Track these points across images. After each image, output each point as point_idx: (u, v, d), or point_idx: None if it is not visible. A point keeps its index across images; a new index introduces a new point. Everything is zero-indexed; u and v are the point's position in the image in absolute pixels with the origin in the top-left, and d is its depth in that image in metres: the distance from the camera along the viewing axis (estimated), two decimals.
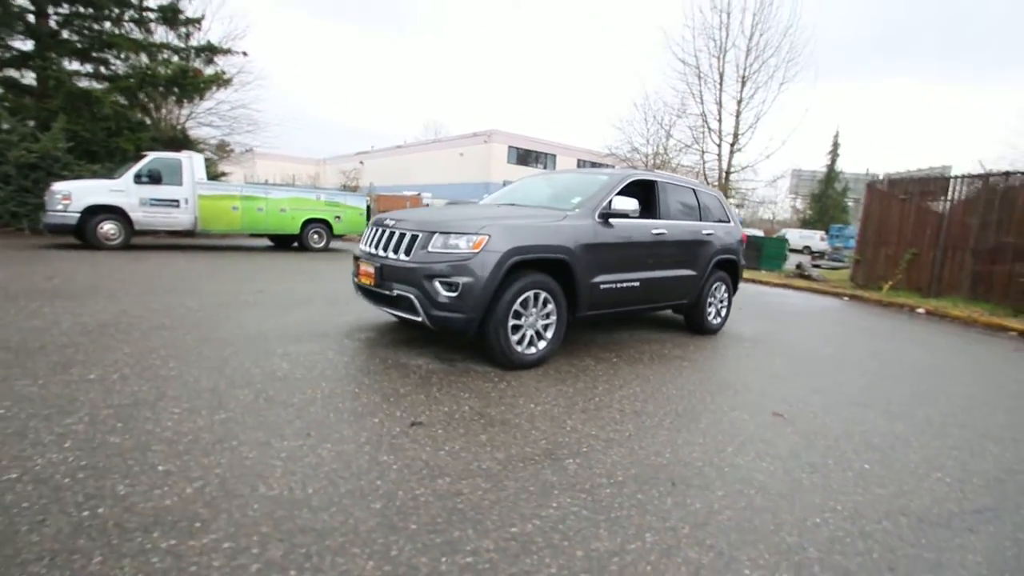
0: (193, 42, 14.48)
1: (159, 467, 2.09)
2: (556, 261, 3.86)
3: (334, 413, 2.78)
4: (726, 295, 5.86)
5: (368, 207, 13.26)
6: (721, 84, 16.88)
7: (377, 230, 4.08)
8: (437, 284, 3.50)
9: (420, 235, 3.64)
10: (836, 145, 39.55)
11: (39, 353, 3.39)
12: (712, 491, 2.29)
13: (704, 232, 5.39)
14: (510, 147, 29.85)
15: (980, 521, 2.26)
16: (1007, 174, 9.96)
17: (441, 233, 3.59)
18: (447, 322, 3.53)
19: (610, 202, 4.30)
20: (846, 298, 11.05)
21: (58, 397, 2.71)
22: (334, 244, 13.24)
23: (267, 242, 12.94)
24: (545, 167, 31.88)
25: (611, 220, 4.32)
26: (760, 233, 24.46)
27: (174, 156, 10.10)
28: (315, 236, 12.10)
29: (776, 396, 3.72)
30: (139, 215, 9.49)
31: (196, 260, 8.89)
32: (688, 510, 2.12)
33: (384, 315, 5.23)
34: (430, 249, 3.58)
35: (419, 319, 3.59)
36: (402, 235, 3.76)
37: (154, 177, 9.56)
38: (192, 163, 10.09)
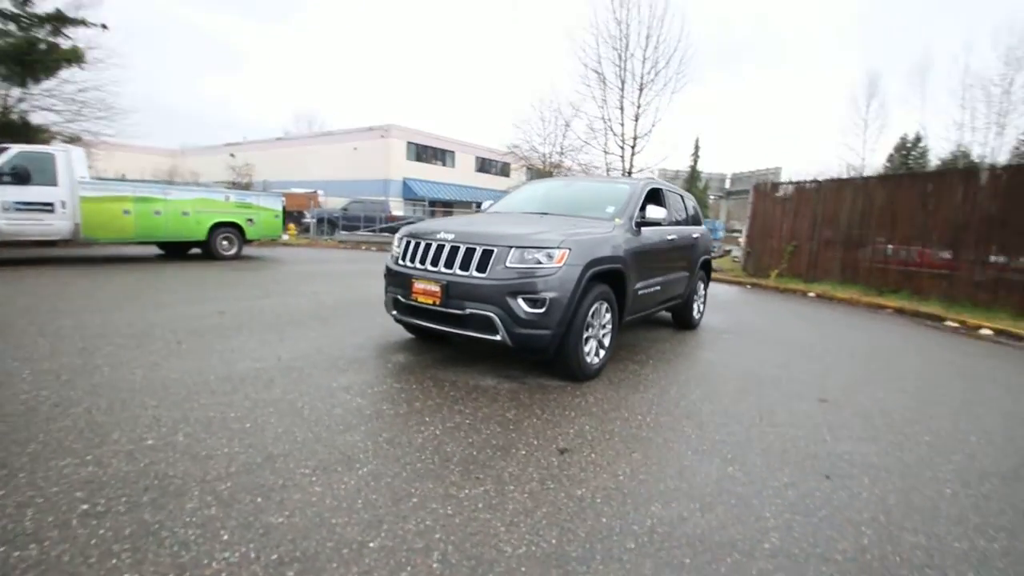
0: (35, 8, 11.79)
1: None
2: (615, 271, 3.93)
3: (480, 451, 2.57)
4: (704, 292, 6.41)
5: (283, 208, 12.01)
6: (623, 90, 18.11)
7: (422, 244, 3.79)
8: (521, 301, 3.37)
9: (496, 250, 3.47)
10: (697, 148, 44.77)
11: None
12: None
13: (693, 235, 5.83)
14: (409, 143, 28.82)
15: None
16: (866, 178, 12.14)
17: (518, 248, 3.46)
18: (531, 340, 3.42)
19: (644, 210, 4.48)
20: (748, 286, 12.60)
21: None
22: (247, 250, 11.81)
23: (154, 250, 11.11)
24: (444, 164, 31.46)
25: (642, 228, 4.49)
26: None
27: (44, 150, 8.23)
28: (224, 242, 10.68)
29: (808, 382, 4.20)
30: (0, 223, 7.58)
31: (86, 277, 7.35)
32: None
33: (392, 332, 4.87)
34: (508, 264, 3.44)
35: (496, 338, 3.43)
36: (469, 250, 3.54)
37: (19, 176, 7.69)
38: (70, 158, 8.30)
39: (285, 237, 16.07)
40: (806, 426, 3.23)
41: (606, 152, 19.49)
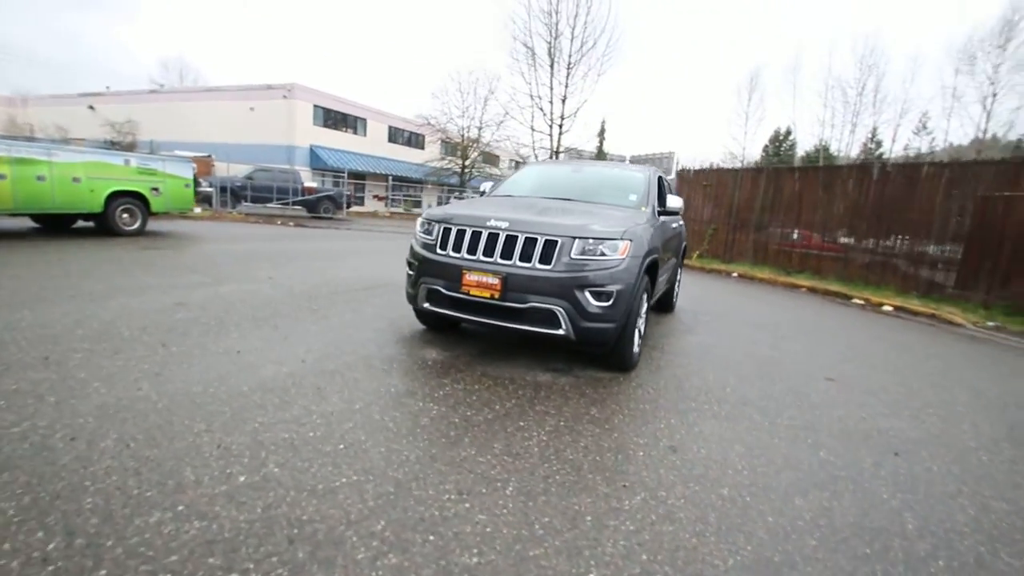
0: None
1: None
2: (654, 261, 3.96)
3: (601, 456, 2.48)
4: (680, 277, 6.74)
5: (195, 176, 10.48)
6: (552, 68, 18.13)
7: (468, 232, 3.50)
8: (588, 294, 3.27)
9: (560, 241, 3.31)
10: (603, 129, 46.60)
11: None
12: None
13: (681, 223, 6.07)
14: (316, 107, 26.22)
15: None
16: (776, 169, 13.44)
17: (581, 239, 3.33)
18: (597, 334, 3.35)
19: (665, 200, 4.54)
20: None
21: None
22: (152, 225, 10.15)
23: (27, 223, 9.16)
24: (356, 132, 29.25)
25: (660, 217, 4.56)
26: None
27: None
28: (125, 215, 9.09)
29: (803, 362, 4.61)
30: None
31: None
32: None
33: (394, 324, 4.52)
34: (573, 256, 3.30)
35: (560, 332, 3.31)
36: (530, 240, 3.34)
37: None
38: None
39: (198, 210, 14.09)
40: (838, 405, 3.55)
41: (533, 129, 19.52)
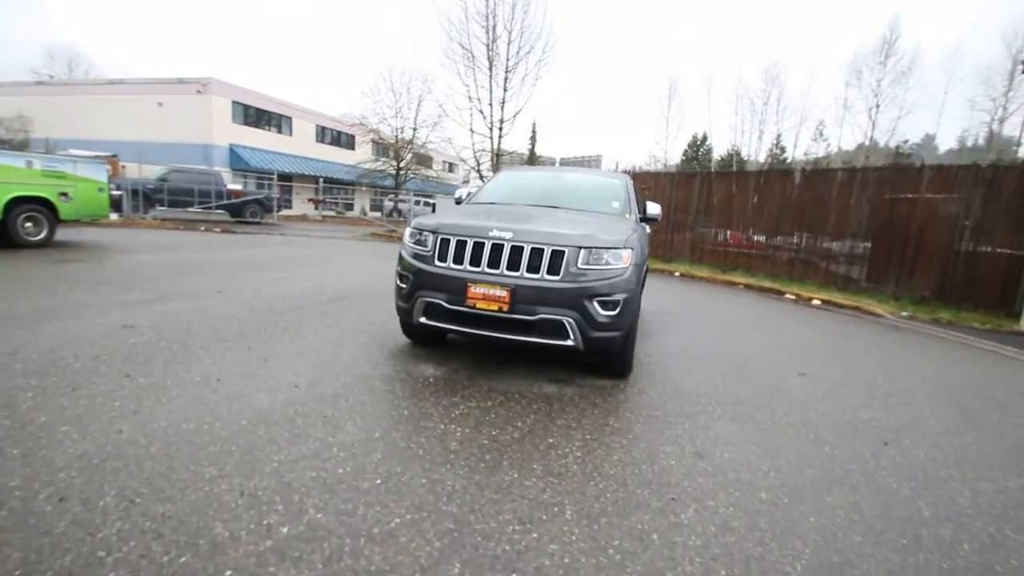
0: None
1: None
2: (645, 269, 4.04)
3: (636, 468, 2.48)
4: None
5: (109, 179, 9.41)
6: (491, 71, 18.12)
7: (470, 242, 3.39)
8: (596, 304, 3.27)
9: (567, 251, 3.28)
10: (535, 131, 47.28)
11: None
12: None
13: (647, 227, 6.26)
14: (235, 103, 24.33)
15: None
16: (709, 173, 14.27)
17: (586, 248, 3.33)
18: (604, 343, 3.36)
19: (645, 207, 4.66)
20: None
21: None
22: (61, 234, 8.96)
23: None
24: (280, 131, 27.51)
25: (642, 223, 4.67)
26: None
27: None
28: (29, 224, 7.99)
29: (772, 358, 4.90)
30: None
31: None
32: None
33: (376, 338, 4.31)
34: (580, 266, 3.29)
35: (568, 343, 3.28)
36: (536, 251, 3.29)
37: None
38: None
39: (114, 216, 12.63)
40: (819, 400, 3.80)
41: (473, 131, 19.41)
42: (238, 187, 18.44)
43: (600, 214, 4.34)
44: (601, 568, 1.74)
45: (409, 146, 27.96)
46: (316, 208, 26.02)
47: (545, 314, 3.24)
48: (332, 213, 28.59)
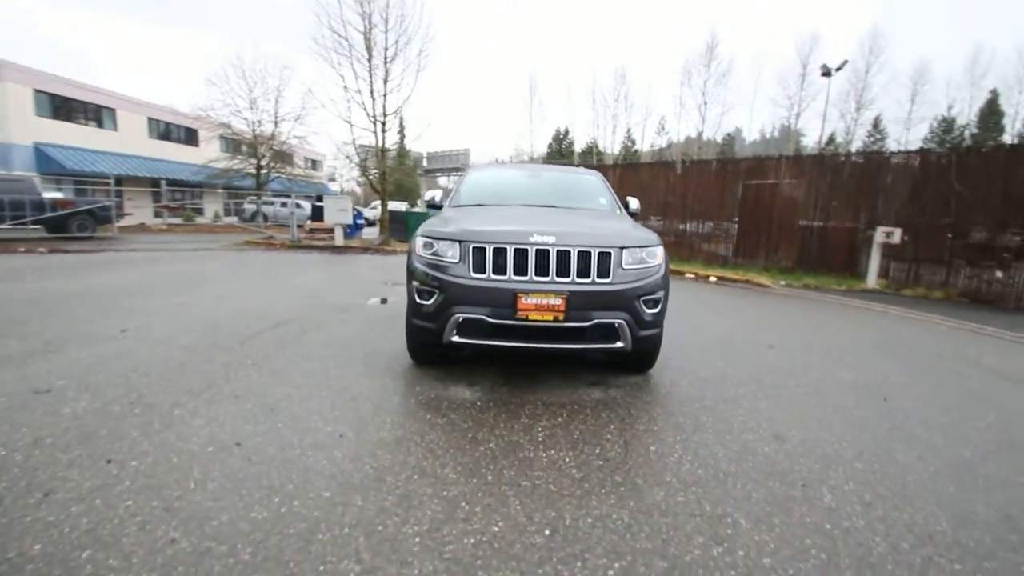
0: None
1: None
2: None
3: (756, 459, 2.53)
4: None
5: None
6: (370, 63, 17.04)
7: (510, 249, 3.13)
8: (642, 303, 3.26)
9: (612, 252, 3.20)
10: (403, 125, 45.76)
11: None
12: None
13: None
14: (39, 91, 19.37)
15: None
16: (602, 165, 15.11)
17: (628, 248, 3.29)
18: (649, 341, 3.37)
19: (628, 203, 4.75)
20: None
21: None
22: None
23: None
24: (101, 125, 22.61)
25: None
26: (402, 207, 26.28)
27: None
28: None
29: (734, 333, 5.36)
30: None
31: None
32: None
33: (382, 363, 3.86)
34: (624, 267, 3.24)
35: (618, 345, 3.23)
36: (583, 254, 3.16)
37: None
38: None
39: None
40: (807, 369, 4.25)
41: (352, 124, 18.10)
42: (61, 195, 14.93)
43: (597, 212, 4.34)
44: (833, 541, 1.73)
45: (270, 142, 25.27)
46: (163, 216, 22.27)
47: (599, 319, 3.14)
48: (178, 220, 24.72)
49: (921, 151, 11.55)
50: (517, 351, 3.52)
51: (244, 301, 6.09)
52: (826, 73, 24.28)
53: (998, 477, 2.48)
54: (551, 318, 3.07)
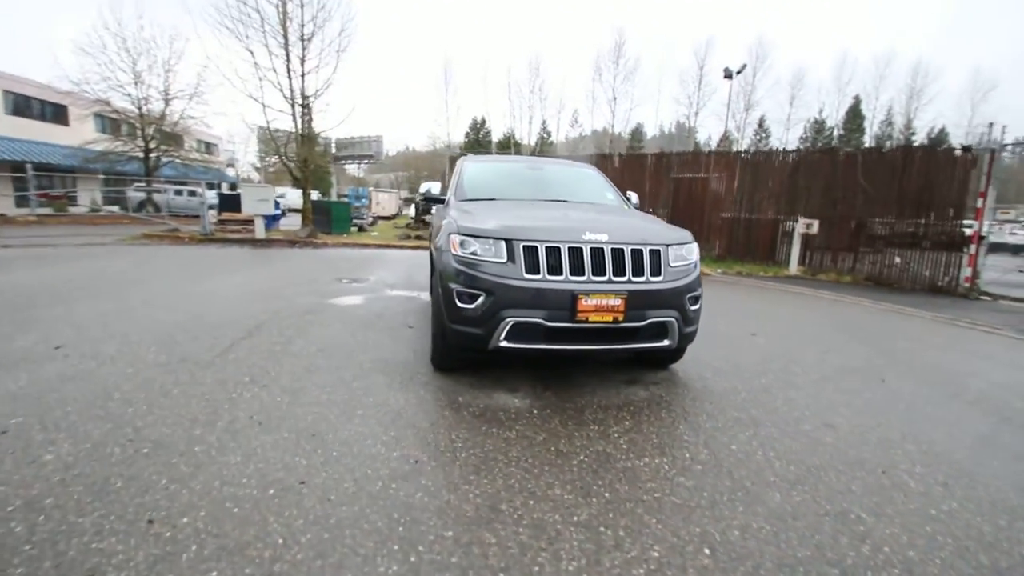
0: None
1: None
2: None
3: (833, 451, 2.61)
4: None
5: None
6: (286, 38, 15.60)
7: (564, 248, 2.97)
8: (688, 300, 3.26)
9: (661, 249, 3.16)
10: (310, 109, 42.77)
11: None
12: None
13: None
14: None
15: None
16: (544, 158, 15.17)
17: (673, 246, 3.26)
18: (690, 337, 3.38)
19: (628, 197, 4.75)
20: None
21: None
22: None
23: None
24: None
25: None
26: (313, 197, 24.43)
27: None
28: None
29: (718, 321, 5.60)
30: None
31: None
32: None
33: (403, 373, 3.56)
34: (672, 265, 3.22)
35: (665, 343, 3.21)
36: (636, 252, 3.07)
37: None
38: None
39: None
40: (800, 356, 4.54)
41: (265, 106, 16.54)
42: None
43: (612, 207, 4.29)
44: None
45: (160, 121, 22.45)
46: (32, 205, 18.91)
47: (654, 317, 3.09)
48: (48, 211, 21.19)
49: (831, 150, 12.92)
50: (564, 354, 3.39)
51: (190, 305, 5.30)
52: (728, 75, 26.30)
53: (1018, 448, 2.79)
54: (610, 319, 2.97)
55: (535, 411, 2.96)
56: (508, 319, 2.94)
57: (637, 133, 54.38)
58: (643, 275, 3.08)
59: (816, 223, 10.57)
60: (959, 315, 6.86)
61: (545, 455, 2.44)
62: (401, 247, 13.88)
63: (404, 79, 79.03)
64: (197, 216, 18.39)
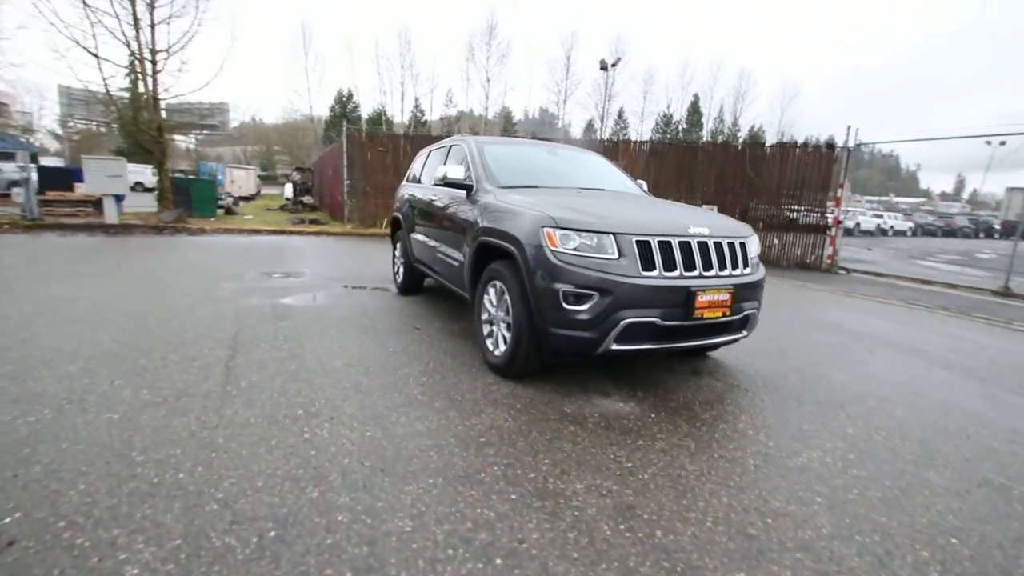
0: None
1: None
2: None
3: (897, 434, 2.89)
4: None
5: None
6: None
7: (675, 242, 2.85)
8: (762, 291, 3.36)
9: (745, 242, 3.19)
10: (134, 68, 35.31)
11: None
12: None
13: None
14: None
15: None
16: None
17: (748, 238, 3.30)
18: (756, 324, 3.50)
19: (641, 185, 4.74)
20: (388, 238, 12.88)
21: None
22: None
23: None
24: None
25: None
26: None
27: None
28: None
29: None
30: None
31: None
32: None
33: (443, 390, 3.18)
34: (752, 257, 3.27)
35: (743, 335, 3.28)
36: (731, 245, 3.06)
37: None
38: None
39: None
40: (782, 329, 5.00)
41: (99, 58, 13.35)
42: None
43: (645, 196, 4.24)
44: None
45: None
46: None
47: (747, 310, 3.12)
48: None
49: (725, 144, 14.42)
50: (653, 353, 3.27)
51: (111, 315, 4.09)
52: (604, 67, 27.88)
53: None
54: (720, 314, 2.93)
55: (652, 415, 2.82)
56: (623, 320, 2.73)
57: (508, 117, 55.19)
58: (739, 268, 3.09)
59: (715, 208, 11.77)
60: (834, 287, 8.20)
61: (722, 463, 2.33)
62: (302, 233, 12.39)
63: (253, 40, 69.73)
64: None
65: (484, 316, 3.44)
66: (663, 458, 2.35)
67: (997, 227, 31.34)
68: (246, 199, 27.29)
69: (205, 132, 44.74)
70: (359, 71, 63.54)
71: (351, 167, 14.23)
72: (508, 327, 3.14)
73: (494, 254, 3.35)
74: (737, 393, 3.23)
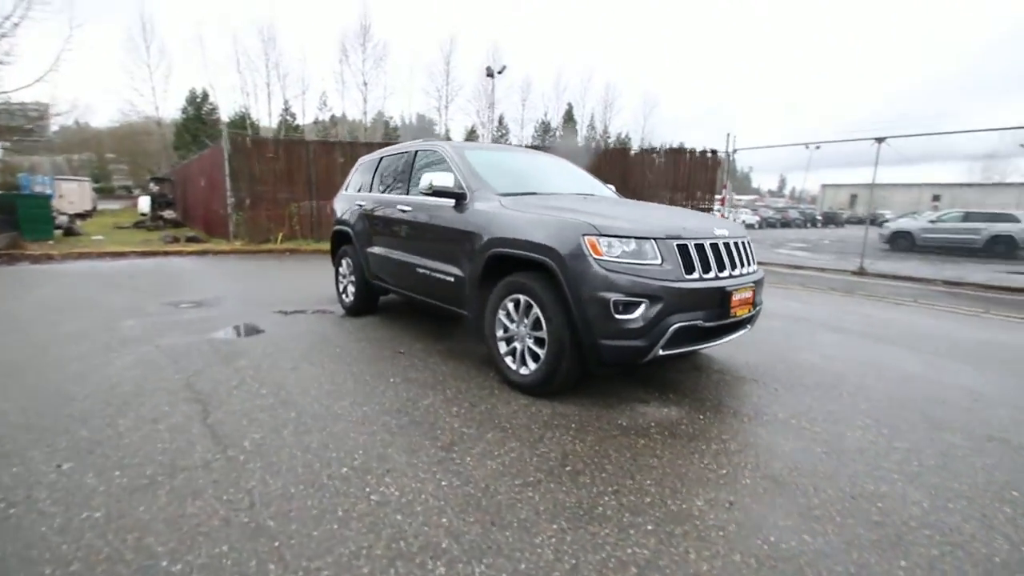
0: None
1: None
2: None
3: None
4: None
5: None
6: None
7: (707, 244, 2.91)
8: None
9: (745, 242, 3.34)
10: None
11: None
12: None
13: None
14: None
15: None
16: (352, 143, 13.57)
17: (748, 238, 3.48)
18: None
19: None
20: (287, 254, 11.68)
21: None
22: None
23: None
24: None
25: None
26: None
27: None
28: None
29: None
30: None
31: None
32: None
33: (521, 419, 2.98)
34: (754, 255, 3.46)
35: (748, 329, 3.46)
36: (743, 245, 3.22)
37: None
38: None
39: None
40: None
41: None
42: None
43: (622, 199, 4.27)
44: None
45: None
46: None
47: (759, 304, 3.29)
48: None
49: (624, 149, 15.26)
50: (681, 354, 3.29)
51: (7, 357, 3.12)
52: (490, 74, 28.31)
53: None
54: (746, 311, 3.04)
55: (701, 418, 2.82)
56: (673, 325, 2.71)
57: (384, 123, 53.49)
58: (751, 265, 3.24)
59: None
60: None
61: (798, 456, 2.39)
62: (181, 253, 10.73)
63: (82, 31, 59.03)
64: None
65: (500, 333, 3.21)
66: (746, 459, 2.35)
67: (819, 217, 37.60)
68: (82, 216, 22.96)
69: (16, 138, 36.68)
70: (215, 69, 56.94)
71: (235, 177, 12.66)
72: (537, 343, 2.96)
73: (509, 266, 3.15)
74: (751, 385, 3.38)
